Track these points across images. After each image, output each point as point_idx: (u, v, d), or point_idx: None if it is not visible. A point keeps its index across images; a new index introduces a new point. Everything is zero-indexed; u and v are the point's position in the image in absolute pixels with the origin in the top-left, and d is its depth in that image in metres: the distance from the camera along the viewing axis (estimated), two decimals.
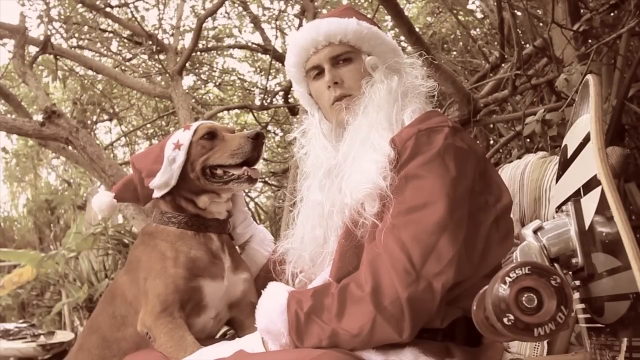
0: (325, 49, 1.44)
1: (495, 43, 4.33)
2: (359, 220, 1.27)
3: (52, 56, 5.05)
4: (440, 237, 1.18)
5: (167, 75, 4.57)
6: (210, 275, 1.45)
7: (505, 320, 0.98)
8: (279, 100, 5.92)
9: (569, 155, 1.38)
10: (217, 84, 6.73)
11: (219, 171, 1.48)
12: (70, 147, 3.94)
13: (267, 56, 5.92)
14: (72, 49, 5.41)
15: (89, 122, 6.21)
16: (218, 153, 1.47)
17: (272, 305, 1.24)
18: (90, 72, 5.66)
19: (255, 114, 5.94)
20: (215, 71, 6.64)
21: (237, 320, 1.55)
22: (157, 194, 1.48)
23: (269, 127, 6.62)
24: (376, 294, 1.16)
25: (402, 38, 3.81)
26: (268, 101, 5.87)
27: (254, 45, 6.06)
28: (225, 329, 1.72)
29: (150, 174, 1.47)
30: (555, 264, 1.21)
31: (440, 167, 1.23)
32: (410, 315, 1.15)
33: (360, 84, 1.42)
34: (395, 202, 1.23)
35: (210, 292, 1.45)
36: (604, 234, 1.13)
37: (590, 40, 2.73)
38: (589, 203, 1.19)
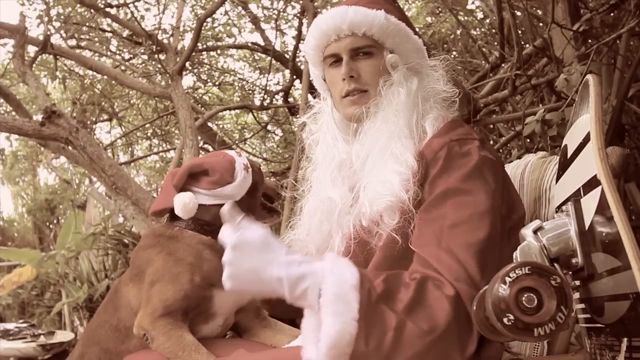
0: (347, 39, 1.37)
1: (495, 43, 4.33)
2: (375, 230, 1.24)
3: (51, 57, 5.05)
4: (490, 251, 1.15)
5: (167, 75, 4.56)
6: (222, 285, 1.45)
7: (505, 320, 0.98)
8: (279, 100, 5.92)
9: (569, 155, 1.38)
10: (217, 84, 6.73)
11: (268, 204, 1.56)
12: (70, 147, 3.94)
13: (267, 56, 5.93)
14: (72, 49, 5.41)
15: (88, 122, 6.21)
16: (271, 185, 1.57)
17: (344, 276, 1.07)
18: (90, 72, 5.66)
19: (255, 114, 5.95)
20: (215, 71, 6.64)
21: (241, 325, 1.55)
22: (209, 202, 1.45)
23: (269, 127, 6.62)
24: (457, 301, 1.09)
25: None
26: (268, 101, 5.88)
27: (253, 45, 6.06)
28: None
29: (221, 182, 1.46)
30: (555, 264, 1.21)
31: (481, 180, 1.20)
32: (476, 333, 1.09)
33: (377, 80, 1.36)
34: (434, 217, 1.17)
35: (220, 301, 1.44)
36: (604, 234, 1.13)
37: (590, 40, 2.73)
38: (589, 203, 1.19)
